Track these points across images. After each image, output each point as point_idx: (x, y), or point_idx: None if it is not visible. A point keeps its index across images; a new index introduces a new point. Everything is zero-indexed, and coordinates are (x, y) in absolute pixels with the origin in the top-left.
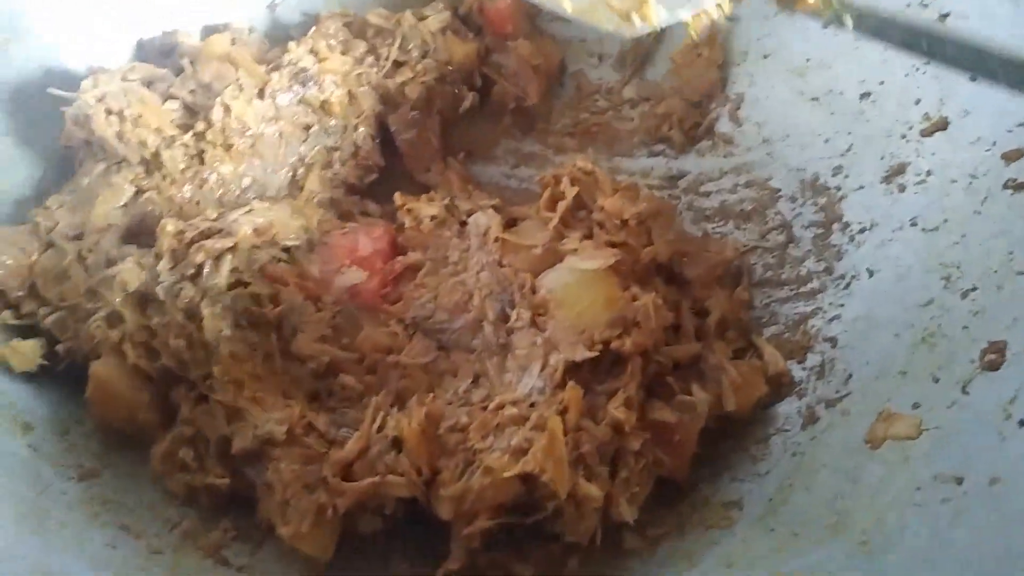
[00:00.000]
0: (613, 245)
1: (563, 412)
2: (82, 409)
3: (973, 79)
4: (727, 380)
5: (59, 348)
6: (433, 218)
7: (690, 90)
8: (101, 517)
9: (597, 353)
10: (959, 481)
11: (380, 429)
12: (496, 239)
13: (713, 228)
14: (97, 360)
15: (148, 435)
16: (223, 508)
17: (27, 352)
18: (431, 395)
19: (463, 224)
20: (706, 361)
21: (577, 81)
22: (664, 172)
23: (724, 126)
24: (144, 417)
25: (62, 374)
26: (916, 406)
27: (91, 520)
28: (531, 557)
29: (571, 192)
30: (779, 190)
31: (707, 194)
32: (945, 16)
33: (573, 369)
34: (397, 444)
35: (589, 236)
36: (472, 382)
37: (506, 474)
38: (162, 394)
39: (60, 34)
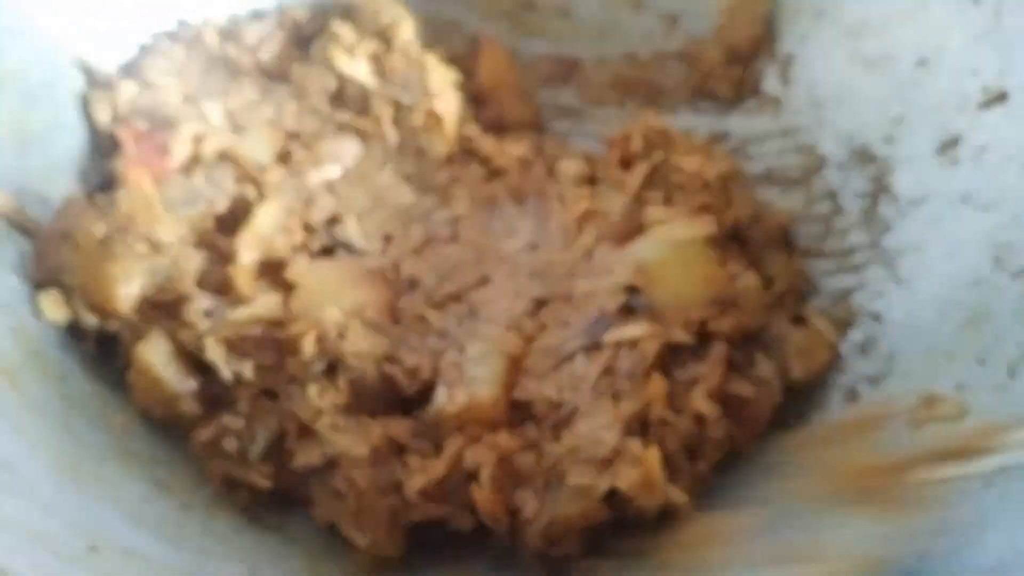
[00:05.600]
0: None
1: (647, 406)
2: (108, 367)
3: None
4: (792, 348)
5: None
6: (520, 159)
7: (735, 45)
8: (134, 470)
9: (693, 338)
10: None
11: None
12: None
13: (757, 194)
14: (140, 342)
15: (187, 424)
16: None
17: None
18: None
19: (550, 170)
20: (767, 330)
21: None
22: (708, 131)
23: (772, 86)
24: (186, 407)
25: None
26: (960, 388)
27: (125, 473)
28: None
29: (656, 155)
30: (826, 157)
31: (752, 157)
32: (1003, 96)
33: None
34: (473, 476)
35: (668, 200)
36: None
37: (596, 493)
38: (210, 386)
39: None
